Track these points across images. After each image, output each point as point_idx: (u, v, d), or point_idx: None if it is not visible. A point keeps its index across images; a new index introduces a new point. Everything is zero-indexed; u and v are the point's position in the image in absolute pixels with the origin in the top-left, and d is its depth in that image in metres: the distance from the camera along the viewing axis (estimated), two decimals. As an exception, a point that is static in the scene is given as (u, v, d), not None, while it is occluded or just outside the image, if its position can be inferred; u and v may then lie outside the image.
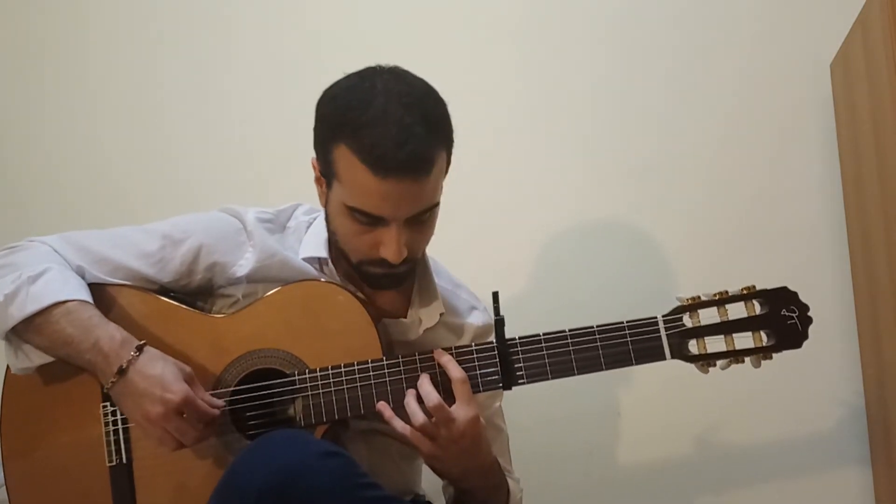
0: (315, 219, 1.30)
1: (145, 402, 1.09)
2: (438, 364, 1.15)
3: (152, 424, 1.10)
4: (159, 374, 1.10)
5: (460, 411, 1.10)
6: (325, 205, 1.20)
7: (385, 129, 1.06)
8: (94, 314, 1.15)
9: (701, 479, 1.81)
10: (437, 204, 1.15)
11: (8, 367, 1.21)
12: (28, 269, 1.16)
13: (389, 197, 1.09)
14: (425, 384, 1.12)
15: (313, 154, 1.20)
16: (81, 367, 1.15)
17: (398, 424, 1.12)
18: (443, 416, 1.09)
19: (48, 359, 1.17)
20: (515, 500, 1.30)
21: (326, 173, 1.15)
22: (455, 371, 1.13)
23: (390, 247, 1.12)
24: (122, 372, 1.11)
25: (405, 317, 1.27)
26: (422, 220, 1.14)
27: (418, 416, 1.10)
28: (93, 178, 2.04)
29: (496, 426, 1.36)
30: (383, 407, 1.13)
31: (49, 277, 1.15)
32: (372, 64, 1.16)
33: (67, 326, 1.13)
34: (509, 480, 1.30)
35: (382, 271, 1.17)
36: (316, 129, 1.17)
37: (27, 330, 1.15)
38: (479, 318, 1.33)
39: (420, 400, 1.11)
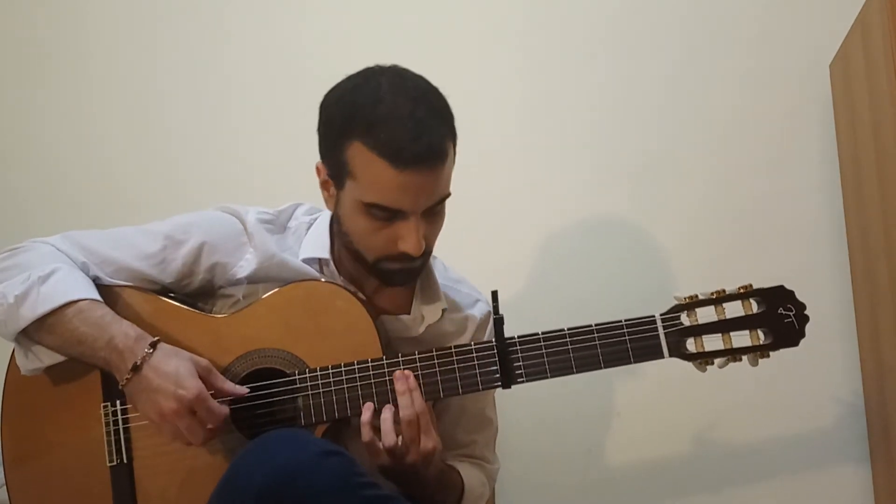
0: (316, 219, 1.31)
1: (159, 398, 1.09)
2: (400, 394, 1.13)
3: (164, 420, 1.10)
4: (173, 370, 1.10)
5: (429, 443, 1.12)
6: (335, 207, 1.20)
7: (399, 123, 1.08)
8: (107, 312, 1.15)
9: (700, 478, 1.81)
10: (449, 194, 1.17)
11: (8, 367, 1.22)
12: (37, 269, 1.16)
13: (408, 189, 1.10)
14: (408, 409, 1.12)
15: (316, 159, 1.20)
16: (95, 364, 1.16)
17: (366, 432, 1.12)
18: (416, 442, 1.11)
19: (59, 358, 1.17)
20: (474, 495, 1.30)
21: (338, 174, 1.15)
22: (419, 405, 1.13)
23: (410, 239, 1.13)
24: (136, 369, 1.11)
25: (408, 314, 1.28)
26: (436, 212, 1.17)
27: (390, 436, 1.11)
28: (93, 178, 2.04)
29: (487, 418, 1.39)
30: (367, 408, 1.14)
31: (59, 277, 1.15)
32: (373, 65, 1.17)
33: (81, 325, 1.13)
34: (474, 475, 1.31)
35: (400, 266, 1.18)
36: (322, 132, 1.17)
37: (38, 330, 1.15)
38: (481, 309, 1.34)
39: (396, 420, 1.12)
